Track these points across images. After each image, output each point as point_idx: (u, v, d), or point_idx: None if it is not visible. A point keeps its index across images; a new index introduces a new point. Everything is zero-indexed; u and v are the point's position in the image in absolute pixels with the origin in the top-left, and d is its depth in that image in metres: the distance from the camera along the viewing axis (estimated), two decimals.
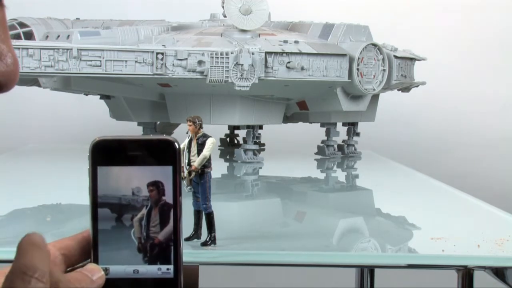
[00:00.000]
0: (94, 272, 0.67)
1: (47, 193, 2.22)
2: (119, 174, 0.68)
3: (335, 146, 3.21)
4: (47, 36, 2.76)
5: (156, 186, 0.68)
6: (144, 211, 0.68)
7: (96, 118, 3.80)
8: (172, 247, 0.68)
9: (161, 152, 0.68)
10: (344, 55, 2.79)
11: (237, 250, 1.41)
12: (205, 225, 1.40)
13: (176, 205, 0.68)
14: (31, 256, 0.61)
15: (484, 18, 4.34)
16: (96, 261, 0.68)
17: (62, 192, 2.24)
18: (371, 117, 3.25)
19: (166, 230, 0.68)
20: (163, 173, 0.68)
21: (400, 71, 3.05)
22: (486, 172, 4.20)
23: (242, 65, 2.56)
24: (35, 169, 2.87)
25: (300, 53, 2.69)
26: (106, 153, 0.68)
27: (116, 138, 0.68)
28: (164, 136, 0.69)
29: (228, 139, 3.46)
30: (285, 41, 2.71)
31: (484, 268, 1.41)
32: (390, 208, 2.02)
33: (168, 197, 0.68)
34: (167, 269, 0.68)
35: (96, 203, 0.68)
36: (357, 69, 2.81)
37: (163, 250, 0.68)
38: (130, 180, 0.68)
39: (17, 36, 2.80)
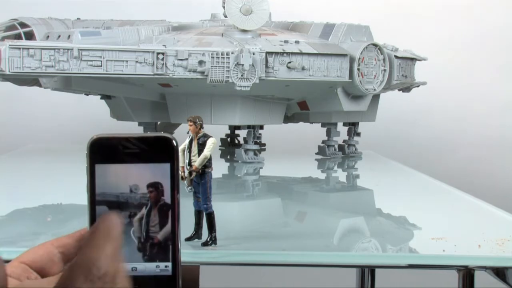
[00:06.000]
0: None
1: (47, 193, 2.22)
2: (117, 172, 0.68)
3: (336, 146, 3.21)
4: (48, 36, 2.76)
5: (155, 188, 0.68)
6: (144, 210, 0.68)
7: (96, 118, 3.80)
8: (171, 245, 0.68)
9: (159, 149, 0.68)
10: (344, 55, 2.79)
11: (237, 250, 1.41)
12: (205, 225, 1.40)
13: (174, 203, 0.68)
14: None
15: (485, 18, 4.33)
16: None
17: (62, 192, 2.24)
18: (372, 117, 3.25)
19: (165, 229, 0.68)
20: (161, 171, 0.68)
21: (401, 71, 3.05)
22: (487, 172, 4.20)
23: (242, 65, 2.55)
24: (35, 169, 2.86)
25: (301, 53, 2.69)
26: (103, 150, 0.68)
27: (114, 136, 0.68)
28: (162, 133, 0.69)
29: (228, 139, 3.46)
30: (286, 41, 2.71)
31: (485, 268, 1.41)
32: (391, 208, 2.02)
33: (167, 197, 0.68)
34: (166, 266, 0.68)
35: (94, 200, 0.68)
36: (358, 69, 2.81)
37: (162, 249, 0.68)
38: (128, 177, 0.68)
39: (18, 36, 2.80)
